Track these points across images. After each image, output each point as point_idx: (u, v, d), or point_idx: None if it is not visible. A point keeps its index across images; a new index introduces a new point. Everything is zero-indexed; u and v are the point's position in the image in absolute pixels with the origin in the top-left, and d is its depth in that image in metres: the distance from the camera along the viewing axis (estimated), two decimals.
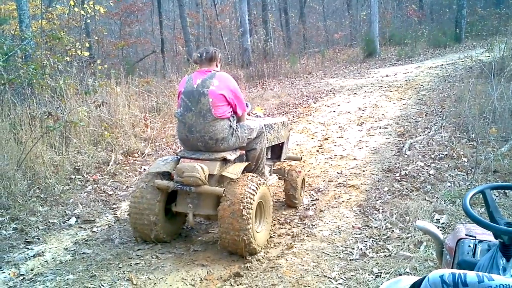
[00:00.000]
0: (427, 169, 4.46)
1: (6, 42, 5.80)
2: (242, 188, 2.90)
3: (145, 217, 3.07)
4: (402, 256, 2.86)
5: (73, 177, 4.67)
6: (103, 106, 5.76)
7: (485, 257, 1.31)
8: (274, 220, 3.61)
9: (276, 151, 4.11)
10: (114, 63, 12.49)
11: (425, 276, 1.01)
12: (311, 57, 15.43)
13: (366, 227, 3.40)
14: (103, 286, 2.70)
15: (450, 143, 5.13)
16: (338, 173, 4.71)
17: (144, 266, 2.93)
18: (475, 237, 1.48)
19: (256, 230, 3.03)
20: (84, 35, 10.87)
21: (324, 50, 15.81)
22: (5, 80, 5.11)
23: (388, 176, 4.45)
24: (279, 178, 3.97)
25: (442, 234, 1.91)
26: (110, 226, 3.69)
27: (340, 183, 4.42)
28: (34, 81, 5.45)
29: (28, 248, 3.29)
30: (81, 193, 4.39)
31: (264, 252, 3.08)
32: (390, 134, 6.01)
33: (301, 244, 3.16)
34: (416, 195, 3.89)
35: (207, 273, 2.83)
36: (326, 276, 2.72)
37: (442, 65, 11.28)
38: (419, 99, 7.87)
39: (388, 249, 3.00)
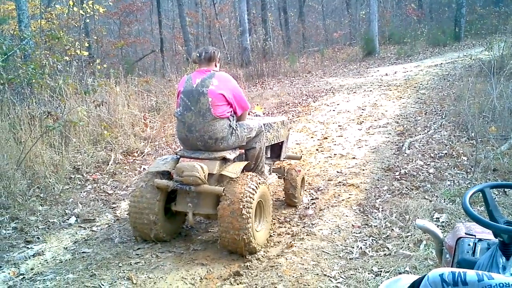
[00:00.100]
0: (426, 168, 4.46)
1: (5, 42, 5.79)
2: (241, 187, 2.90)
3: (145, 216, 3.08)
4: (401, 255, 2.86)
5: (72, 176, 4.67)
6: (102, 105, 5.76)
7: (485, 255, 1.31)
8: (274, 219, 3.61)
9: (276, 150, 4.11)
10: (114, 63, 12.48)
11: (424, 275, 1.01)
12: (310, 56, 15.44)
13: (366, 226, 3.40)
14: (103, 285, 2.70)
15: (449, 142, 5.13)
16: (338, 172, 4.71)
17: (144, 265, 2.93)
18: (474, 235, 1.48)
19: (256, 229, 3.03)
20: (83, 35, 10.85)
21: (323, 49, 15.82)
22: (5, 80, 5.10)
23: (387, 175, 4.45)
24: (279, 177, 3.97)
25: (442, 232, 1.91)
26: (109, 225, 3.69)
27: (339, 182, 4.42)
28: (34, 80, 5.44)
29: (28, 248, 3.29)
30: (81, 192, 4.39)
31: (264, 251, 3.08)
32: (390, 133, 6.01)
33: (301, 243, 3.16)
34: (416, 194, 3.89)
35: (207, 272, 2.83)
36: (326, 275, 2.72)
37: (442, 64, 11.29)
38: (419, 98, 7.87)
39: (388, 248, 3.01)
